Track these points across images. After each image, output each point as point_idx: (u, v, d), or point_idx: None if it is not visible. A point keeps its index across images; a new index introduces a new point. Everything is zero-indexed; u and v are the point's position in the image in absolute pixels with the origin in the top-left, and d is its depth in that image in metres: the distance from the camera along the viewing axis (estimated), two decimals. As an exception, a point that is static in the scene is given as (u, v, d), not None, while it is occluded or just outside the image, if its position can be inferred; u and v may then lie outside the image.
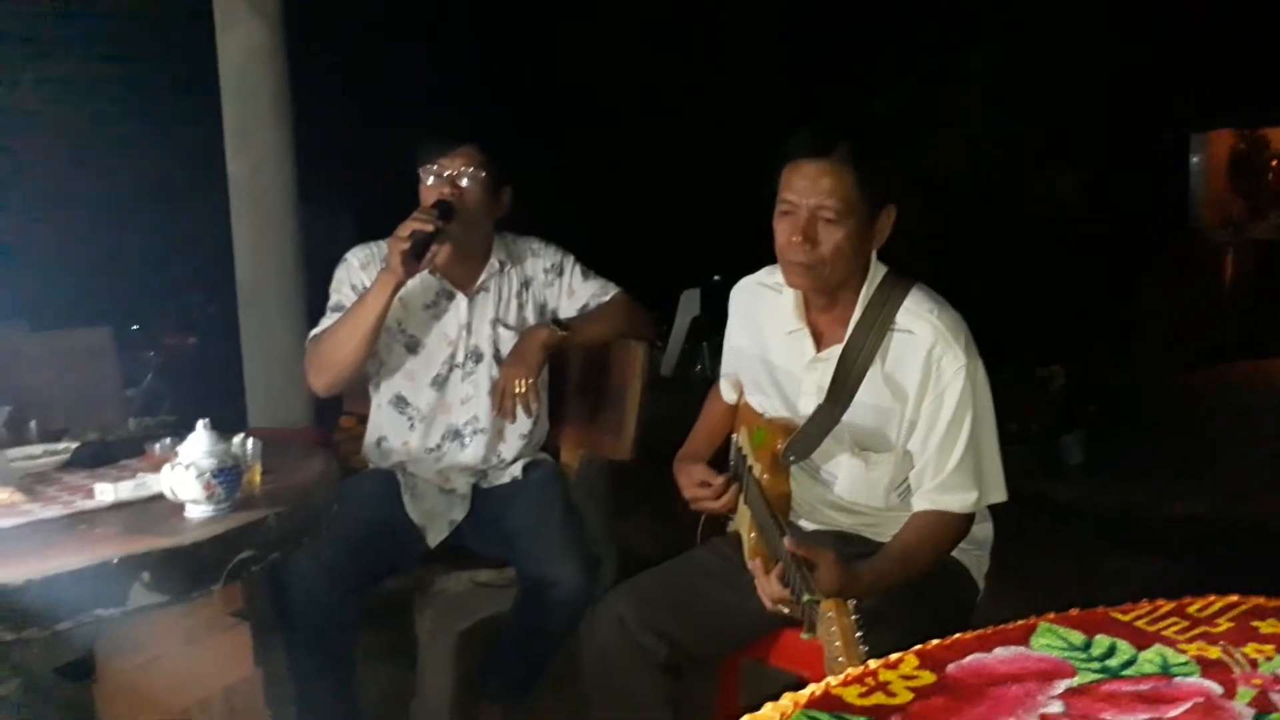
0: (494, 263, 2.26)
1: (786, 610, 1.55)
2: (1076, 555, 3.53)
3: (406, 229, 2.02)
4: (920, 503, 1.73)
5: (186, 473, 1.45)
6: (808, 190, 1.65)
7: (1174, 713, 0.87)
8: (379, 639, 2.26)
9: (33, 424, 1.92)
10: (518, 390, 2.18)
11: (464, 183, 2.12)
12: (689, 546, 1.98)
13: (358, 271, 2.20)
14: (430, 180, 2.13)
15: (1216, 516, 3.92)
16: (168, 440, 1.67)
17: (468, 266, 2.24)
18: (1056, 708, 0.89)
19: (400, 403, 2.24)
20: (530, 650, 2.14)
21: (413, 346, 2.23)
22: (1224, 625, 1.04)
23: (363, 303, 2.08)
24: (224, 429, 1.53)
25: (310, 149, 3.58)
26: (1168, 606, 1.09)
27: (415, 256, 2.03)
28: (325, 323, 2.18)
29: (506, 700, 2.19)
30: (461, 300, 2.24)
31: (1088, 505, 4.23)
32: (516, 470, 2.27)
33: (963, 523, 1.73)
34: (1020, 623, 1.05)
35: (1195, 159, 8.08)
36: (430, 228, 2.03)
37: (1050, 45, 5.88)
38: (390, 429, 2.25)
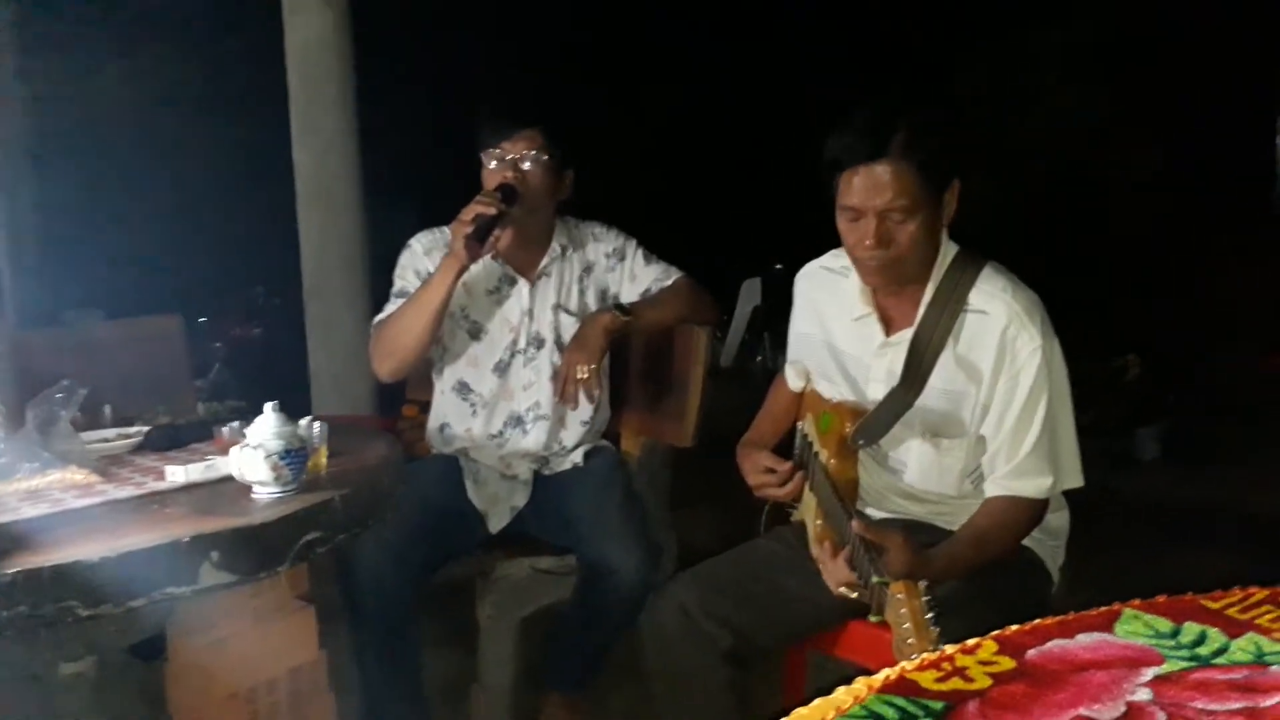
0: (555, 247, 2.25)
1: (854, 595, 1.51)
2: (1156, 552, 3.41)
3: (470, 212, 2.03)
4: (993, 488, 1.68)
5: (254, 454, 1.46)
6: (871, 194, 1.60)
7: (1270, 702, 0.83)
8: (441, 624, 2.27)
9: (107, 408, 1.96)
10: (580, 376, 2.17)
11: (527, 166, 2.12)
12: (751, 537, 1.94)
13: (421, 257, 2.21)
14: (493, 164, 2.13)
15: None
16: (236, 423, 1.68)
17: (530, 252, 2.23)
18: (1144, 695, 0.85)
19: (463, 389, 2.24)
20: (591, 637, 2.13)
21: (475, 332, 2.23)
22: (1323, 614, 0.99)
23: (427, 287, 2.09)
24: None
25: (375, 137, 3.61)
26: (1261, 594, 1.04)
27: (478, 240, 2.03)
28: (390, 308, 2.19)
29: (568, 688, 2.19)
30: (523, 285, 2.23)
31: (1167, 500, 4.09)
32: (578, 456, 2.26)
33: (1037, 508, 1.68)
34: (1103, 609, 1.01)
35: (1281, 144, 7.79)
36: (493, 211, 2.03)
37: (1131, 23, 5.71)
38: (453, 415, 2.26)
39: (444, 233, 2.18)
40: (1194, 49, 5.86)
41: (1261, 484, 4.09)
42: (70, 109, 5.81)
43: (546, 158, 2.12)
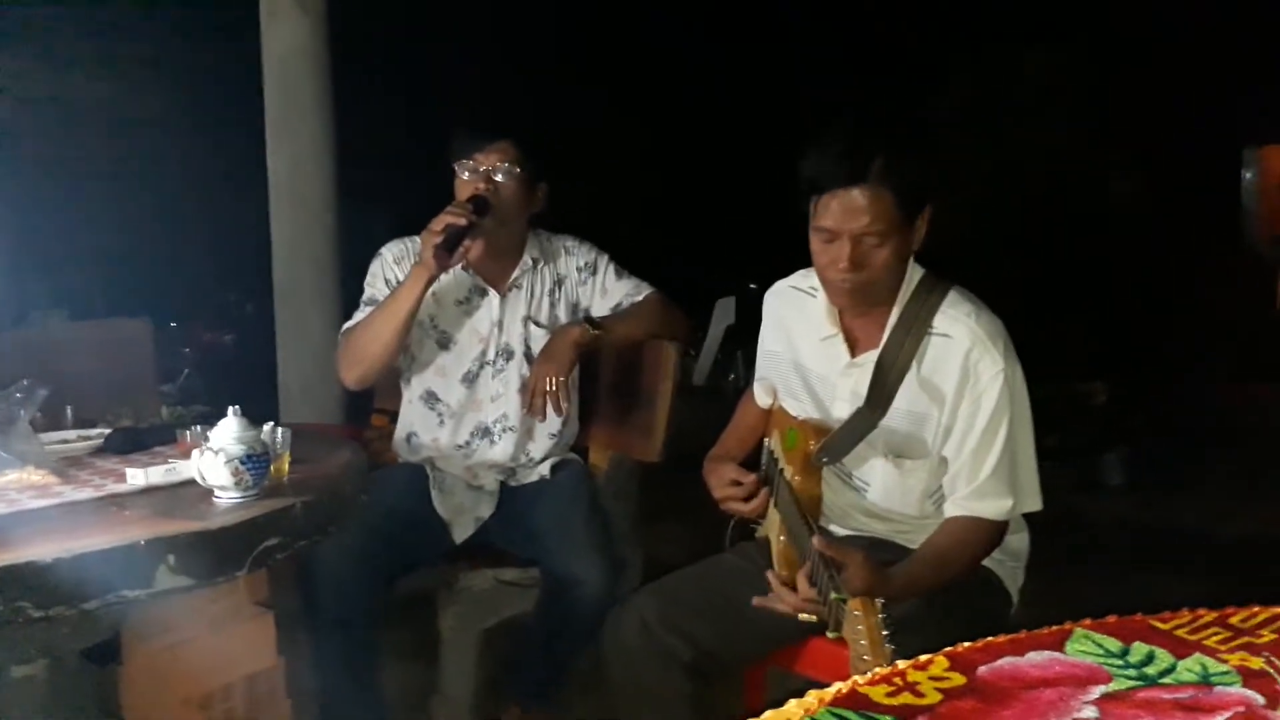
0: (527, 260, 2.26)
1: (814, 618, 1.52)
2: (1118, 576, 3.45)
3: (440, 222, 2.03)
4: (953, 509, 1.69)
5: (215, 458, 1.45)
6: (847, 218, 1.61)
7: (1214, 721, 0.84)
8: (403, 635, 2.26)
9: (69, 410, 1.94)
10: (548, 389, 2.17)
11: (499, 178, 2.12)
12: (716, 553, 1.95)
13: (391, 265, 2.21)
14: (466, 175, 2.14)
15: (1266, 538, 3.81)
16: (198, 427, 1.67)
17: (501, 263, 2.24)
18: (1091, 713, 0.86)
19: (431, 398, 2.24)
20: (553, 650, 2.13)
21: (444, 342, 2.23)
22: (1268, 636, 1.01)
23: (395, 296, 2.09)
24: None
25: (351, 144, 3.60)
26: (1209, 616, 1.05)
27: (448, 250, 2.03)
28: (358, 316, 2.19)
29: (530, 701, 2.18)
30: (494, 297, 2.24)
31: (1130, 525, 4.13)
32: (545, 469, 2.26)
33: (997, 530, 1.69)
34: (1055, 628, 1.02)
35: (1248, 174, 7.93)
36: (463, 222, 2.03)
37: (1103, 54, 5.81)
38: (420, 425, 2.25)
39: (415, 242, 2.18)
40: (1162, 78, 5.97)
41: (1224, 509, 4.15)
42: (41, 109, 5.77)
43: (519, 170, 2.13)
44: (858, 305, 1.73)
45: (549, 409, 2.18)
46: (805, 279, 1.86)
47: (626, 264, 2.38)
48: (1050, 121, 5.93)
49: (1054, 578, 1.99)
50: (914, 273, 1.74)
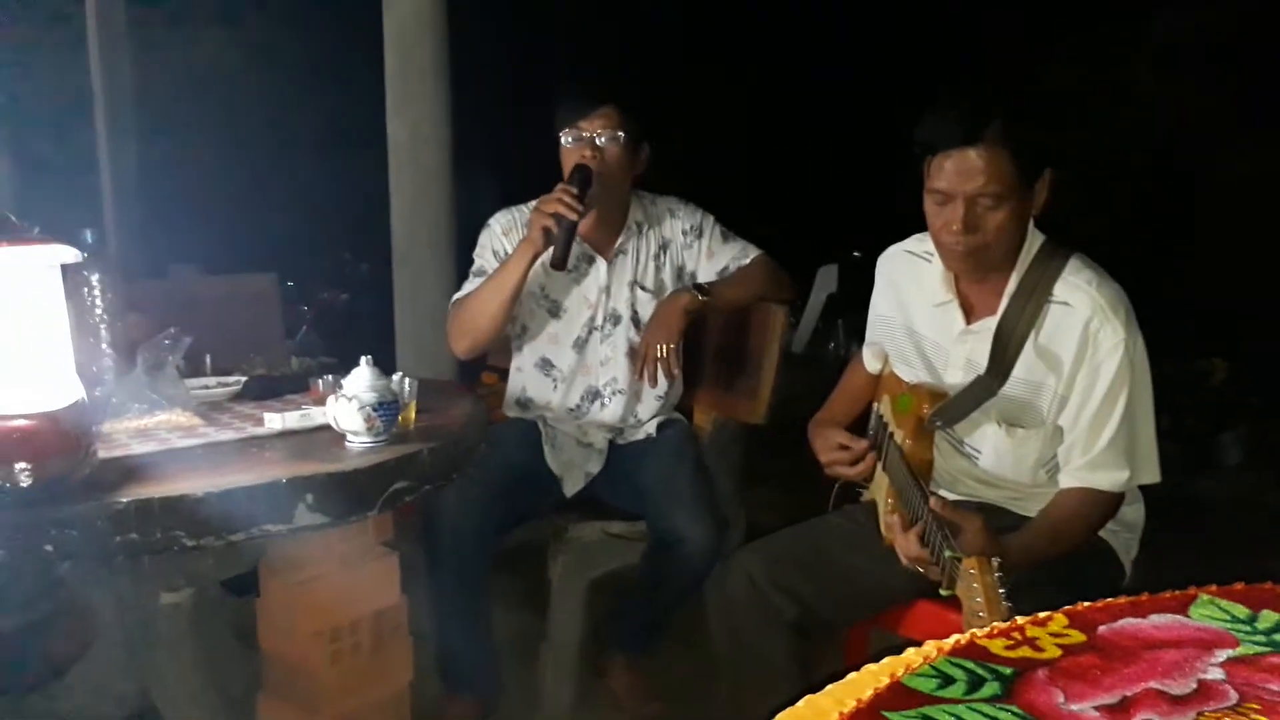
0: (632, 225, 2.28)
1: (923, 570, 1.53)
2: (1234, 555, 3.33)
3: (550, 205, 2.06)
4: (1068, 480, 1.67)
5: (350, 404, 1.53)
6: (963, 179, 1.59)
7: (1348, 690, 0.83)
8: (515, 582, 2.34)
9: (208, 358, 2.05)
10: (659, 355, 2.20)
11: (603, 143, 2.14)
12: (817, 516, 1.96)
13: (500, 237, 2.26)
14: (570, 142, 2.16)
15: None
16: (330, 377, 1.76)
17: (606, 229, 2.27)
18: (1217, 675, 0.85)
19: (545, 365, 2.29)
20: (656, 603, 2.18)
21: (554, 310, 2.28)
22: (1405, 611, 0.98)
23: (503, 270, 2.14)
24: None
25: (467, 111, 3.67)
26: (1344, 588, 1.03)
27: (561, 253, 2.07)
28: (467, 287, 2.24)
29: (631, 650, 2.24)
30: (601, 264, 2.27)
31: (1248, 504, 3.99)
32: (651, 428, 2.30)
33: (1112, 501, 1.67)
34: (1178, 593, 1.02)
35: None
36: (575, 216, 2.06)
37: (1227, 15, 5.53)
38: (534, 388, 2.31)
39: (522, 212, 2.23)
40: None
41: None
42: (173, 70, 6.01)
43: (623, 135, 2.15)
44: (972, 270, 1.71)
45: (660, 375, 2.22)
46: (920, 243, 1.84)
47: (729, 229, 2.38)
48: (1175, 88, 5.68)
49: (1167, 554, 1.95)
50: (1034, 239, 1.72)
